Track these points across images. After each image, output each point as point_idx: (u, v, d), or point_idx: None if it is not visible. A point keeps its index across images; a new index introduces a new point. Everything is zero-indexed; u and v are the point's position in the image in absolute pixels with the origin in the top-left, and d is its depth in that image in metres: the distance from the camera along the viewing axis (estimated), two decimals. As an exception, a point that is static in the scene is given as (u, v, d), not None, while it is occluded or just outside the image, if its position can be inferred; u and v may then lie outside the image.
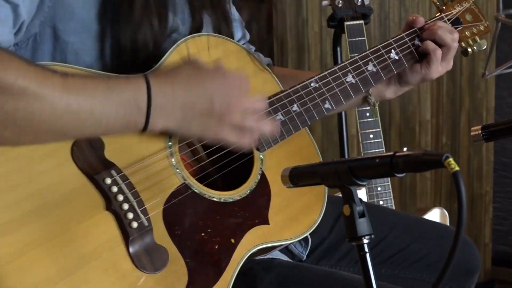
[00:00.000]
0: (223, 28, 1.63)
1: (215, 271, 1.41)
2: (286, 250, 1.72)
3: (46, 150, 1.32)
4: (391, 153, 1.09)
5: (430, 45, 1.71)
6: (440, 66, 1.72)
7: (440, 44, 1.71)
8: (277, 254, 1.63)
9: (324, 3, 2.54)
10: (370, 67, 1.70)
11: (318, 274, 1.55)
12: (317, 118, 1.62)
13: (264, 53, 1.88)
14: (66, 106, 1.26)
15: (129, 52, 1.45)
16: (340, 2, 2.48)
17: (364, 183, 1.24)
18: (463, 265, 1.81)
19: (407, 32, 1.75)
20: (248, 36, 1.84)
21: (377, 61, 1.70)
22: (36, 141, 1.30)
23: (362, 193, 2.61)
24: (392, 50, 1.72)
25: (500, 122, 1.46)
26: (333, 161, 1.16)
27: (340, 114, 2.75)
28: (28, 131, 1.27)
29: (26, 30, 1.37)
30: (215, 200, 1.46)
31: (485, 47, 1.85)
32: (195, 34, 1.54)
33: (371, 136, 2.60)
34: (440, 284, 1.04)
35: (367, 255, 1.12)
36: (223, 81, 1.41)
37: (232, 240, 1.45)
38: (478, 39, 1.85)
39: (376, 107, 1.84)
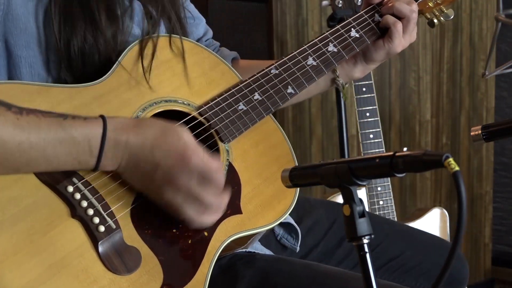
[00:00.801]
0: (176, 27, 1.62)
1: (190, 266, 1.40)
2: (278, 244, 1.72)
3: None
4: (391, 153, 1.09)
5: (389, 19, 1.70)
6: (402, 39, 1.72)
7: (399, 17, 1.71)
8: (262, 249, 1.63)
9: (324, 3, 2.54)
10: (331, 47, 1.68)
11: (299, 267, 1.55)
12: (280, 104, 1.60)
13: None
14: (17, 144, 1.27)
15: (84, 61, 1.44)
16: (340, 2, 2.48)
17: (364, 183, 1.24)
18: (451, 275, 1.80)
19: (366, 9, 1.74)
20: (211, 33, 1.84)
21: (337, 41, 1.69)
22: None
23: (362, 193, 2.61)
24: (352, 29, 1.71)
25: (500, 122, 1.45)
26: (333, 161, 1.16)
27: (340, 114, 2.75)
28: None
29: None
30: None
31: (452, 16, 1.81)
32: (146, 37, 1.53)
33: (371, 136, 2.60)
34: (440, 284, 1.04)
35: (367, 255, 1.12)
36: (179, 158, 1.35)
37: (205, 233, 1.44)
38: (444, 9, 1.81)
39: (346, 87, 1.83)
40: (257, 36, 3.06)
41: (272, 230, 1.70)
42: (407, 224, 2.76)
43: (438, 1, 1.80)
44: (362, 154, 2.61)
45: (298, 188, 1.56)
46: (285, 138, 1.62)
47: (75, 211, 1.34)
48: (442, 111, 3.53)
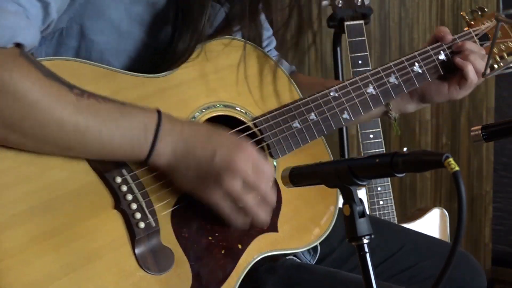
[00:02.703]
0: (251, 35, 1.62)
1: (219, 276, 1.41)
2: (293, 256, 1.71)
3: None
4: (391, 153, 1.09)
5: (471, 74, 1.70)
6: (468, 88, 1.75)
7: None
8: None
9: (324, 3, 2.54)
10: (392, 79, 1.68)
11: (322, 275, 1.55)
12: (334, 128, 1.60)
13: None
14: (74, 125, 1.27)
15: (154, 57, 1.45)
16: (340, 2, 2.48)
17: (364, 183, 1.24)
18: (468, 286, 1.80)
19: (433, 46, 1.74)
20: (274, 43, 1.83)
21: (399, 73, 1.69)
22: (39, 150, 1.30)
23: (362, 193, 2.61)
24: (416, 63, 1.71)
25: (500, 122, 1.46)
26: (333, 161, 1.16)
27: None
28: (33, 140, 1.27)
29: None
30: None
31: None
32: (215, 38, 1.53)
33: (371, 136, 2.60)
34: (440, 283, 1.04)
35: (367, 255, 1.12)
36: (235, 144, 1.38)
37: (239, 246, 1.44)
38: (506, 55, 1.81)
39: (396, 120, 1.83)
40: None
41: None
42: (407, 224, 2.76)
43: (502, 48, 1.80)
44: (362, 154, 2.61)
45: (335, 216, 1.57)
46: None
47: (119, 203, 1.34)
48: (442, 111, 3.53)
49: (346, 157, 2.75)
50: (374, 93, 1.65)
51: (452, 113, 3.56)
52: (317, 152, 1.62)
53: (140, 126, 1.32)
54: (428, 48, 1.73)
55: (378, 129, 2.60)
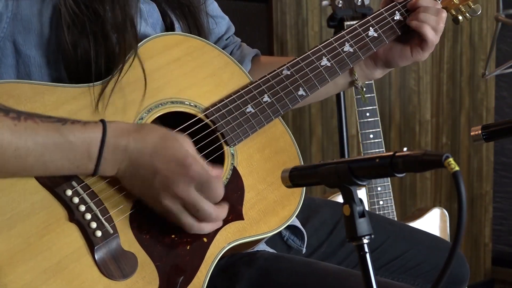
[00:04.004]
0: (192, 28, 1.61)
1: (187, 272, 1.39)
2: (284, 245, 1.71)
3: None
4: (391, 153, 1.09)
5: (429, 33, 1.65)
6: (430, 49, 1.70)
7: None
8: (264, 247, 1.62)
9: (324, 3, 2.55)
10: (347, 47, 1.64)
11: (298, 264, 1.54)
12: (290, 107, 1.57)
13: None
14: (14, 150, 1.27)
15: (96, 63, 1.43)
16: (340, 2, 2.49)
17: (364, 183, 1.24)
18: (452, 275, 1.80)
19: (386, 7, 1.70)
20: (233, 30, 1.81)
21: (353, 40, 1.64)
22: None
23: (362, 193, 2.61)
24: (370, 28, 1.67)
25: (500, 122, 1.45)
26: (333, 161, 1.16)
27: (340, 114, 2.75)
28: None
29: None
30: None
31: (479, 12, 1.74)
32: (151, 37, 1.50)
33: (371, 136, 2.60)
34: (440, 284, 1.04)
35: (367, 255, 1.12)
36: (178, 165, 1.35)
37: (205, 239, 1.43)
38: (471, 4, 1.74)
39: (364, 89, 1.80)
40: (257, 36, 3.06)
41: None
42: (407, 224, 2.76)
43: None
44: (362, 154, 2.61)
45: (303, 194, 1.55)
46: (293, 142, 1.59)
47: (73, 215, 1.33)
48: (442, 111, 3.53)
49: (346, 157, 2.75)
50: (329, 64, 1.61)
51: (452, 113, 3.56)
52: (275, 132, 1.58)
53: (83, 146, 1.31)
54: (382, 10, 1.70)
55: (378, 129, 2.61)
